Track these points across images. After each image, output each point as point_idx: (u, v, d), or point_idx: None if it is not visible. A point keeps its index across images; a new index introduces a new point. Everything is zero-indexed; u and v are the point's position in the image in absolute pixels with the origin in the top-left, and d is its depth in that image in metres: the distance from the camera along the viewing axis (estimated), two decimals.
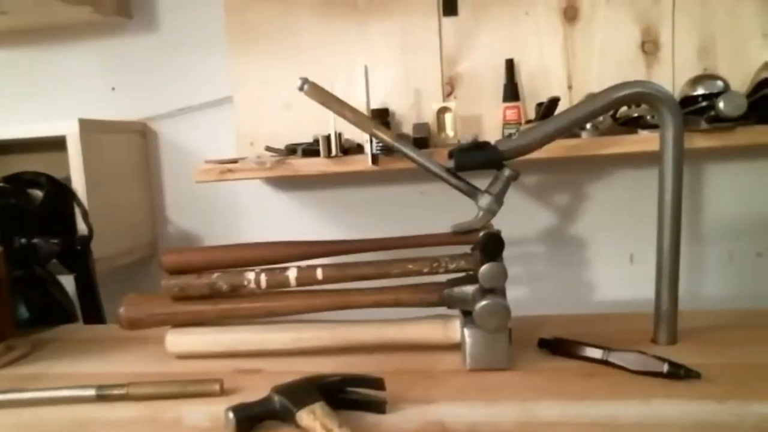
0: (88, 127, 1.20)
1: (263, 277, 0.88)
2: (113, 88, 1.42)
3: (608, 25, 1.24)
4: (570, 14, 1.25)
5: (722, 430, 0.67)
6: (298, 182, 1.40)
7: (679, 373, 0.75)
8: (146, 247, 1.41)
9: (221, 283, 0.88)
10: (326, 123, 1.17)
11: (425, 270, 0.87)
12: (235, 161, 1.21)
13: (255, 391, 0.73)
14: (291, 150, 1.22)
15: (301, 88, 0.88)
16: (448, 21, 1.28)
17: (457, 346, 0.86)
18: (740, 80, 1.11)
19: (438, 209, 1.34)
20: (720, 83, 1.03)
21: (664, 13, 1.22)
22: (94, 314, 1.21)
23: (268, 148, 1.23)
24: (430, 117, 1.24)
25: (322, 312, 0.89)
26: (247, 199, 1.42)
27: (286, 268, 0.88)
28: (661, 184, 0.85)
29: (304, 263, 0.89)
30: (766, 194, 1.27)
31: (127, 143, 1.38)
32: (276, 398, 0.71)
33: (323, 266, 0.88)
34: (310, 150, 1.19)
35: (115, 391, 0.79)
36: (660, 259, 0.87)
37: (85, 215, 1.16)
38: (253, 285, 0.88)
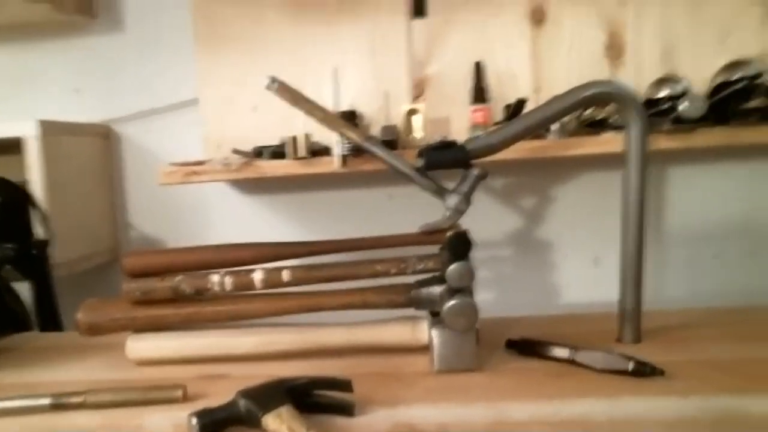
0: (48, 128, 1.17)
1: (228, 280, 0.86)
2: (76, 90, 1.38)
3: (575, 28, 1.25)
4: (537, 17, 1.26)
5: (687, 424, 0.68)
6: (264, 186, 1.38)
7: (644, 370, 0.76)
8: (107, 253, 1.37)
9: (184, 286, 0.86)
10: (294, 126, 1.15)
11: (393, 271, 0.86)
12: (200, 163, 1.19)
13: (220, 397, 0.72)
14: (258, 152, 1.21)
15: (270, 88, 0.87)
16: (417, 23, 1.28)
17: (426, 348, 0.86)
18: (699, 84, 1.13)
19: (405, 213, 1.34)
20: (682, 85, 1.05)
21: (629, 18, 1.24)
22: (52, 321, 1.17)
23: (235, 151, 1.21)
24: (398, 120, 1.23)
25: (289, 315, 0.87)
26: (212, 204, 1.40)
27: (252, 271, 0.86)
28: (626, 183, 0.86)
29: (270, 265, 0.87)
30: (723, 197, 1.30)
31: (90, 146, 1.34)
32: (241, 402, 0.69)
33: (290, 268, 0.86)
34: (278, 152, 1.18)
35: (72, 400, 0.76)
36: (625, 260, 0.88)
37: (44, 219, 1.13)
38: (217, 288, 0.86)
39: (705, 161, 1.29)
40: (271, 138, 1.23)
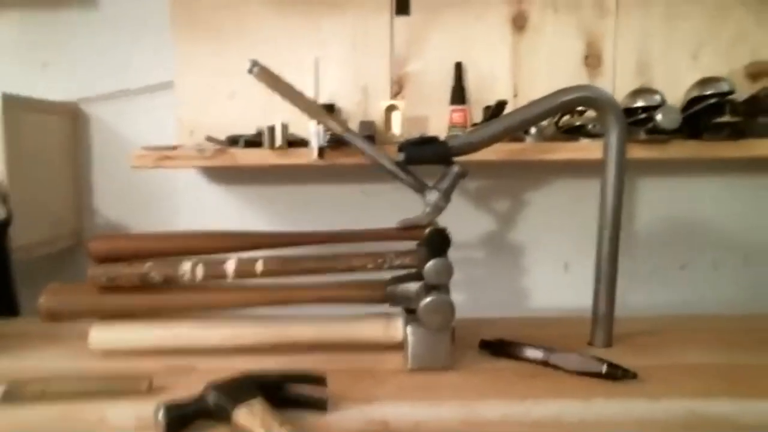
0: (12, 104, 1.11)
1: (200, 269, 0.84)
2: (44, 64, 1.32)
3: (555, 36, 1.27)
4: (519, 23, 1.27)
5: (657, 426, 0.70)
6: (237, 176, 1.36)
7: (617, 373, 0.77)
8: (70, 237, 1.32)
9: (154, 273, 0.83)
10: (271, 116, 1.13)
11: (370, 266, 0.85)
12: (173, 148, 1.15)
13: (187, 390, 0.69)
14: (233, 141, 1.18)
15: (250, 71, 0.85)
16: (400, 21, 1.28)
17: (400, 345, 0.85)
18: (672, 98, 1.16)
19: (379, 210, 1.33)
20: (658, 97, 1.07)
21: (608, 30, 1.26)
22: (9, 307, 1.12)
23: (209, 138, 1.18)
24: (377, 116, 1.22)
25: (262, 307, 0.86)
26: (182, 192, 1.36)
27: (225, 260, 0.84)
28: (604, 188, 0.87)
29: (243, 255, 0.85)
30: (690, 208, 1.33)
31: (56, 124, 1.29)
32: (211, 396, 0.67)
33: (264, 259, 0.85)
34: (253, 141, 1.15)
35: (30, 389, 0.72)
36: (599, 265, 0.89)
37: (4, 198, 1.07)
38: (188, 276, 0.83)
39: (673, 173, 1.32)
40: (247, 127, 1.21)
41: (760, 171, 1.32)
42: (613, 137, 0.84)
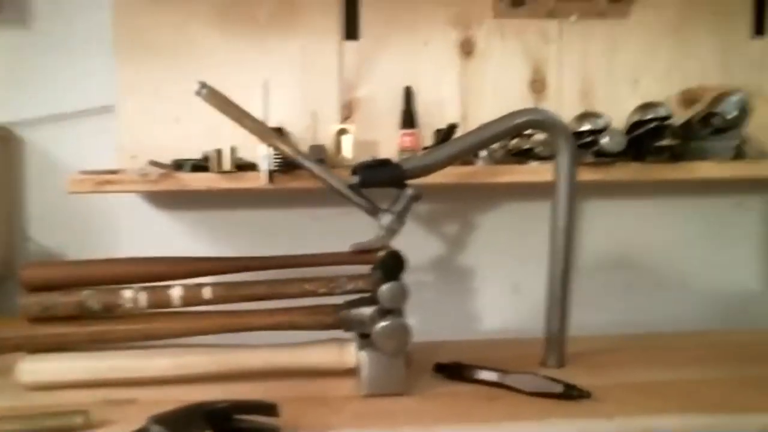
0: None
1: (143, 296, 0.79)
2: None
3: (502, 61, 1.29)
4: (466, 48, 1.29)
5: None
6: (183, 201, 1.31)
7: (572, 393, 0.77)
8: (0, 266, 1.24)
9: (92, 301, 0.78)
10: (217, 140, 1.10)
11: (322, 290, 0.83)
12: (114, 173, 1.11)
13: (128, 424, 0.65)
14: (178, 165, 1.14)
15: (198, 93, 0.83)
16: (349, 45, 1.28)
17: (353, 371, 0.82)
18: (614, 123, 1.19)
19: (330, 236, 1.30)
20: (603, 120, 1.10)
21: (552, 56, 1.30)
22: None
23: (153, 163, 1.14)
24: (327, 140, 1.21)
25: (210, 335, 0.82)
26: (123, 218, 1.30)
27: (170, 286, 0.80)
28: (555, 210, 0.88)
29: (190, 281, 0.82)
30: (634, 229, 1.37)
31: None
32: (154, 429, 0.63)
33: (211, 285, 0.81)
34: (199, 166, 1.12)
35: None
36: (552, 285, 0.90)
37: None
38: (130, 304, 0.79)
39: (617, 195, 1.35)
40: (193, 152, 1.17)
41: (695, 192, 1.37)
42: (564, 160, 0.86)
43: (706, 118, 1.13)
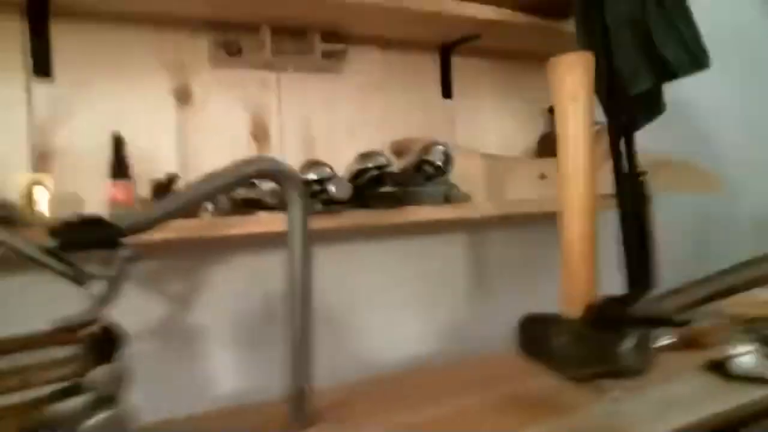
0: None
1: None
2: None
3: (221, 110, 1.24)
4: (183, 96, 1.21)
5: None
6: None
7: None
8: None
9: None
10: None
11: (14, 385, 0.65)
12: None
13: None
14: None
15: None
16: (42, 87, 1.09)
17: None
18: (337, 171, 1.23)
19: (41, 307, 1.07)
20: (328, 170, 1.12)
21: (273, 105, 1.29)
22: None
23: None
24: (15, 194, 1.00)
25: None
26: None
27: None
28: (291, 261, 0.85)
29: None
30: (361, 272, 1.43)
31: None
32: None
33: None
34: None
35: None
36: (293, 341, 0.86)
37: None
38: None
39: (342, 241, 1.39)
40: None
41: (413, 233, 1.49)
42: (296, 209, 0.83)
43: (419, 166, 1.23)
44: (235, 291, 1.28)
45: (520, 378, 1.02)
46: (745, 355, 0.98)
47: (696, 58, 1.12)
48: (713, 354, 1.04)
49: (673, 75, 1.15)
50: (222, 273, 1.27)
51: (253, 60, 1.23)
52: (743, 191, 2.14)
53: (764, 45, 2.35)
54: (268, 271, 1.27)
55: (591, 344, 0.78)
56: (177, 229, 1.00)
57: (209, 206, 1.07)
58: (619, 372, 0.74)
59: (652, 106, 1.21)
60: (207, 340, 1.26)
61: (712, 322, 1.23)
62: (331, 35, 1.28)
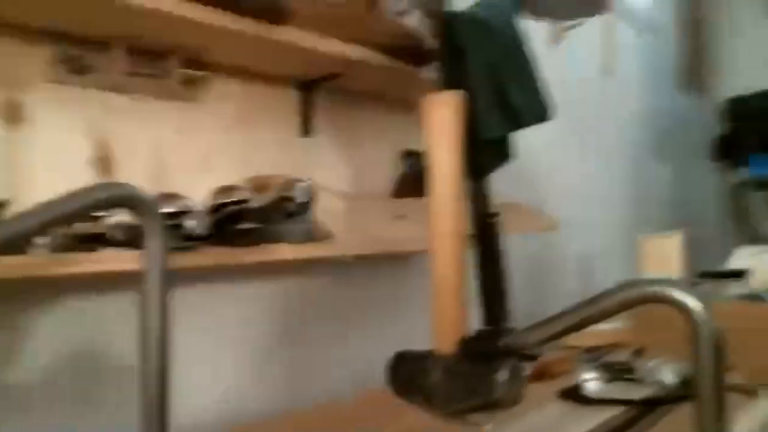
0: None
1: None
2: None
3: (59, 134, 1.10)
4: (12, 115, 1.05)
5: None
6: None
7: None
8: None
9: None
10: None
11: None
12: None
13: None
14: None
15: None
16: None
17: None
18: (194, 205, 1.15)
19: None
20: (188, 202, 1.03)
21: (118, 131, 1.17)
22: None
23: None
24: None
25: None
26: None
27: None
28: (146, 304, 0.75)
29: None
30: (218, 315, 1.33)
31: None
32: None
33: None
34: None
35: None
36: (146, 391, 0.75)
37: None
38: None
39: (197, 280, 1.29)
40: None
41: (276, 272, 1.42)
42: (155, 244, 0.75)
43: (280, 203, 1.18)
44: (69, 340, 1.11)
45: (390, 416, 1.00)
46: (591, 381, 1.06)
47: (542, 110, 1.22)
48: (563, 382, 1.11)
49: (520, 125, 1.24)
50: (54, 320, 1.10)
51: (101, 80, 1.12)
52: (572, 232, 2.37)
53: (603, 101, 2.68)
54: (111, 318, 1.13)
55: (466, 378, 0.78)
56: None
57: (40, 240, 0.92)
58: (494, 404, 0.75)
59: (503, 152, 1.28)
60: (31, 403, 1.07)
61: (557, 353, 1.32)
62: (192, 62, 1.21)
